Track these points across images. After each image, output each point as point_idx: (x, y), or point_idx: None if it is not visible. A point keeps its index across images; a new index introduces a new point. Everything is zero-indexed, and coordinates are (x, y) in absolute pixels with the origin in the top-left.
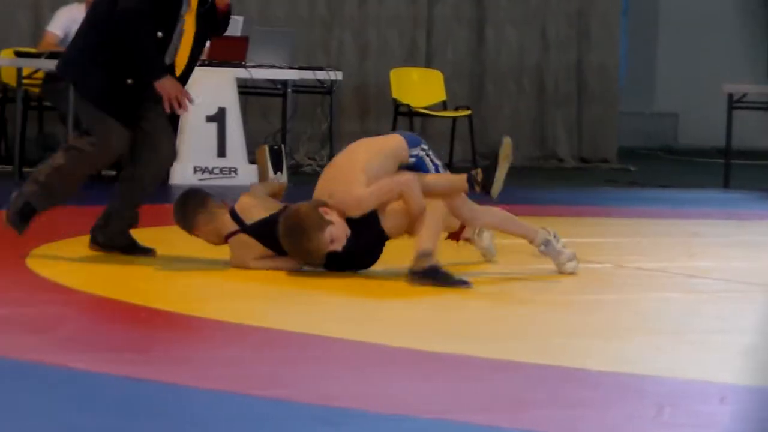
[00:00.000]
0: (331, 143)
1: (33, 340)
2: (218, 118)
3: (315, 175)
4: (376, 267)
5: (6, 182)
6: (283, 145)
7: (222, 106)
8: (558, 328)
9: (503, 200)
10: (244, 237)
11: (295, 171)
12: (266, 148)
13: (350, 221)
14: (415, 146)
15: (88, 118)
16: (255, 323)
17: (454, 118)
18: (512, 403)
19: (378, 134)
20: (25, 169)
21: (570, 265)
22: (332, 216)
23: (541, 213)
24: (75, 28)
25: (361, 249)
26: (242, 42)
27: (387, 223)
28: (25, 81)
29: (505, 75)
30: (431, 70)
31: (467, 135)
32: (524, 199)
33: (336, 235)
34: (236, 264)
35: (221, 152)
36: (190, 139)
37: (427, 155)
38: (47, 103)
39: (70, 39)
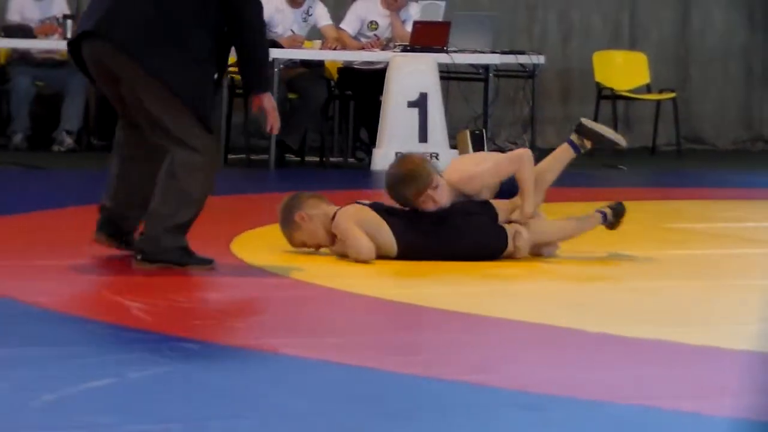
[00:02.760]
0: (533, 128)
1: (238, 324)
2: (420, 103)
3: None
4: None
5: None
6: (484, 130)
7: (423, 91)
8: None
9: (716, 184)
10: (358, 206)
11: None
12: (467, 133)
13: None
14: None
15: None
16: (450, 308)
17: (658, 101)
18: (718, 390)
19: (583, 116)
20: (230, 156)
21: None
22: (440, 180)
23: (747, 196)
24: (277, 17)
25: (474, 234)
26: (444, 27)
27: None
28: (230, 69)
29: (711, 57)
30: (635, 52)
31: (671, 118)
32: (730, 182)
33: (439, 195)
34: (342, 234)
35: (422, 137)
36: (391, 125)
37: None
38: None
39: (272, 28)
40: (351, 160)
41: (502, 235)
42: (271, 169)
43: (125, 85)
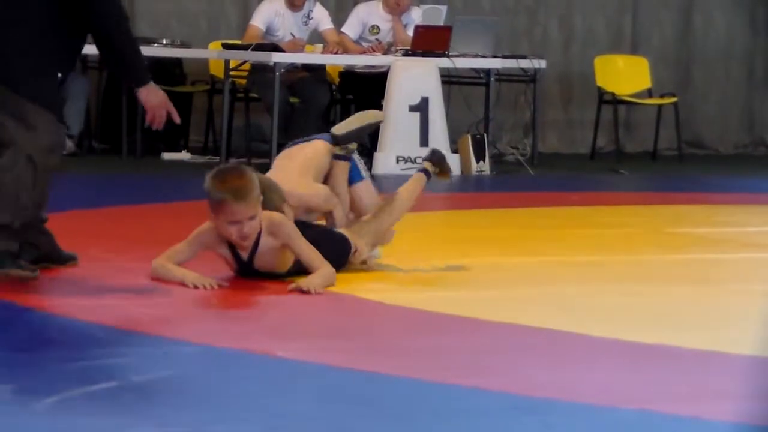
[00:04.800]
0: (534, 132)
1: (239, 328)
2: (421, 107)
3: (517, 164)
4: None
5: None
6: (485, 135)
7: (425, 95)
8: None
9: (717, 189)
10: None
11: (497, 160)
12: (469, 137)
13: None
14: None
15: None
16: (452, 312)
17: (660, 106)
18: (718, 395)
19: (582, 123)
20: (231, 159)
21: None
22: (284, 207)
23: (749, 201)
24: (277, 20)
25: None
26: (445, 32)
27: None
28: (232, 73)
29: (713, 61)
30: (636, 57)
31: (673, 122)
32: (732, 187)
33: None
34: (289, 240)
35: (424, 142)
36: (393, 129)
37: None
38: (253, 94)
39: (273, 32)
40: None
41: (348, 240)
42: None
43: None
